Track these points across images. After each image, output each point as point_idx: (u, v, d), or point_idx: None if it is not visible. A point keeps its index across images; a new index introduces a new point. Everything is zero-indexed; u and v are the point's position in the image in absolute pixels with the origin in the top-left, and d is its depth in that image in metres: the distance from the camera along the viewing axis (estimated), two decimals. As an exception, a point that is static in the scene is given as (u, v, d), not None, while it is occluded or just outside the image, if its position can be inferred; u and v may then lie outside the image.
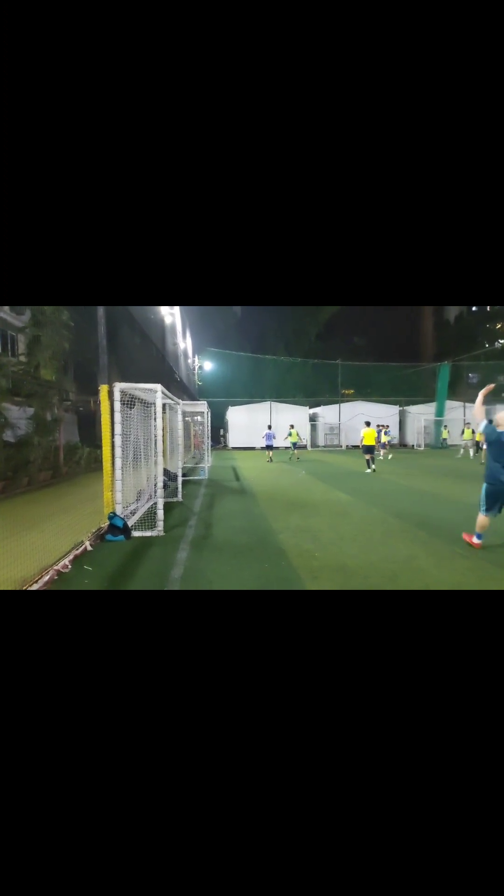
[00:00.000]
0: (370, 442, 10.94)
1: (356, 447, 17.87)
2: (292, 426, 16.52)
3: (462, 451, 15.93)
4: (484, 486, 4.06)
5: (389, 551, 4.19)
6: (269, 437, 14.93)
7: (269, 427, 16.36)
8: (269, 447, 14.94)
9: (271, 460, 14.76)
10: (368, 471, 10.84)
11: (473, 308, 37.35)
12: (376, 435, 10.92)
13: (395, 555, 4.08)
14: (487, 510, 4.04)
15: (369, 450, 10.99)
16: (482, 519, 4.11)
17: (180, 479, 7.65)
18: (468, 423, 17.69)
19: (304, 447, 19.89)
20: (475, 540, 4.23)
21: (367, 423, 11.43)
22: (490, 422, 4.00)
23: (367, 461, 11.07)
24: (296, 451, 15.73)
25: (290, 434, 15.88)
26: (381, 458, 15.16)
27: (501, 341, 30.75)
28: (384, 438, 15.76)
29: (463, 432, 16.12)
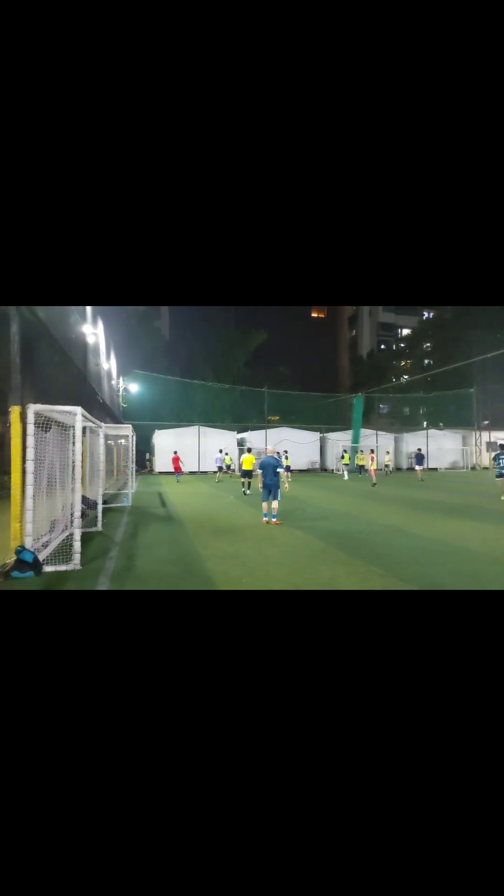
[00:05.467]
0: (248, 467, 11.20)
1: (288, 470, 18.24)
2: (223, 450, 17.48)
3: (386, 471, 16.68)
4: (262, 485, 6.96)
5: (314, 573, 4.33)
6: (219, 460, 16.25)
7: (221, 451, 17.08)
8: (220, 469, 16.24)
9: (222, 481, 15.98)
10: (246, 491, 11.30)
11: (382, 346, 41.80)
12: (254, 460, 11.16)
13: (319, 577, 4.23)
14: (264, 500, 7.09)
15: (247, 474, 11.28)
16: (263, 504, 7.17)
17: (101, 506, 7.19)
18: (372, 451, 19.04)
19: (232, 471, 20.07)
20: (265, 518, 7.16)
21: (249, 450, 11.91)
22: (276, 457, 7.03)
23: (242, 483, 11.61)
24: (221, 473, 16.80)
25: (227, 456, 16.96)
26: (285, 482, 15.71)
27: (406, 377, 34.58)
28: (286, 462, 16.20)
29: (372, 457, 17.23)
